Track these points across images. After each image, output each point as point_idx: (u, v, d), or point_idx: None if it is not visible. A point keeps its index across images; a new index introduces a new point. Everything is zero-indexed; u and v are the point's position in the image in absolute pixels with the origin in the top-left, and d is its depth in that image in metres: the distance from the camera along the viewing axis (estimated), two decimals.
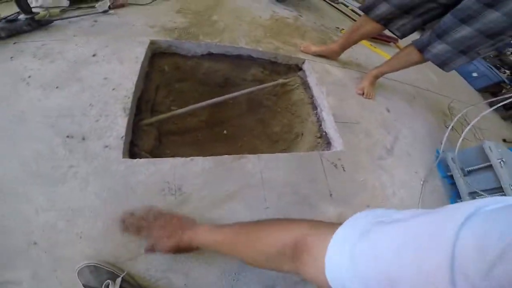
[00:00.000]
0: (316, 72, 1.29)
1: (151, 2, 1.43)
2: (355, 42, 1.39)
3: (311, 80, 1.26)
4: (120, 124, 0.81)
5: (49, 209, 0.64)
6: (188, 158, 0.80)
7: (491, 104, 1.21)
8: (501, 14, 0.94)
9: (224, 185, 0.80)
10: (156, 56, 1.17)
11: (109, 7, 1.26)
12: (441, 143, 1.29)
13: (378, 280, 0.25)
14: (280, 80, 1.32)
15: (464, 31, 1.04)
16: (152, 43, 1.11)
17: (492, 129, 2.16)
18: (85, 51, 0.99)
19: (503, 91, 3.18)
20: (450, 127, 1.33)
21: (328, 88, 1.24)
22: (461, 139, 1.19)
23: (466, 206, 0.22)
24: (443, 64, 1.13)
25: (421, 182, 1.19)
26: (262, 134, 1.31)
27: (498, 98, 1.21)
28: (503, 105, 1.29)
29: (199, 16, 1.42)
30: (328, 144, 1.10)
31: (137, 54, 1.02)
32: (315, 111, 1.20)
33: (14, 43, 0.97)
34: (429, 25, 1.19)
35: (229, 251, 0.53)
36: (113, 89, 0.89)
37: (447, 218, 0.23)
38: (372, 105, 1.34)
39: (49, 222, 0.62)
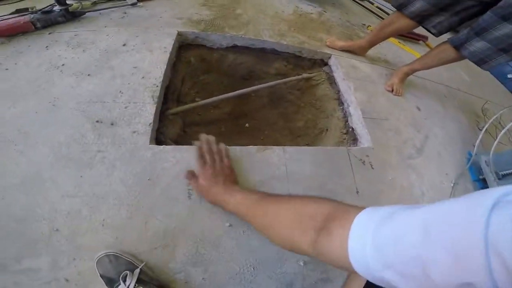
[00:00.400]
0: (342, 67, 1.26)
1: None
2: (385, 39, 1.34)
3: (338, 75, 1.23)
4: (148, 111, 0.82)
5: (75, 195, 0.64)
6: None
7: None
8: None
9: (249, 175, 0.80)
10: (183, 47, 1.20)
11: (138, 0, 1.30)
12: (474, 146, 1.23)
13: (403, 261, 0.25)
14: (305, 75, 1.30)
15: (506, 28, 0.99)
16: (179, 34, 1.14)
17: None
18: (116, 41, 1.03)
19: None
20: (484, 129, 1.27)
21: (355, 83, 1.21)
22: (496, 141, 1.13)
23: (495, 191, 0.23)
24: (481, 61, 1.09)
25: (452, 184, 1.13)
26: (284, 128, 1.29)
27: None
28: None
29: (224, 9, 1.44)
30: (354, 140, 1.07)
31: (166, 44, 1.05)
32: (341, 107, 1.17)
33: (49, 34, 1.03)
34: (465, 24, 1.14)
35: (258, 222, 0.55)
36: (143, 77, 0.92)
37: (476, 201, 0.23)
38: (401, 102, 1.29)
39: (73, 208, 0.63)
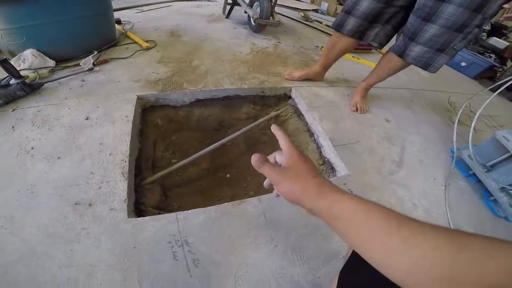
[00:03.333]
0: (304, 98, 1.34)
1: (132, 55, 1.56)
2: (336, 59, 1.45)
3: (302, 106, 1.30)
4: (121, 188, 0.86)
5: (70, 265, 0.70)
6: (189, 211, 0.85)
7: (493, 90, 1.20)
8: (455, 5, 1.01)
9: (229, 231, 0.83)
10: (147, 110, 1.25)
11: (94, 64, 1.37)
12: (453, 141, 1.28)
13: None
14: (273, 113, 1.38)
15: (432, 29, 1.09)
16: (139, 98, 1.19)
17: (503, 114, 2.17)
18: (79, 115, 1.08)
19: (498, 74, 3.25)
20: (456, 121, 1.33)
21: (320, 112, 1.28)
22: (471, 132, 1.19)
23: None
24: (426, 65, 1.18)
25: (443, 187, 1.16)
26: None
27: (500, 82, 1.20)
28: (506, 88, 1.26)
29: (181, 63, 1.53)
30: (332, 169, 1.09)
31: (127, 112, 1.10)
32: (312, 138, 1.22)
33: (12, 110, 1.07)
34: (401, 29, 1.26)
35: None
36: (110, 154, 0.95)
37: None
38: (369, 119, 1.37)
39: (72, 276, 0.68)
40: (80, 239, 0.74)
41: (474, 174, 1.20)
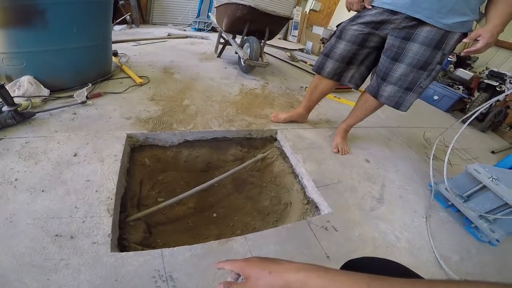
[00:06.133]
0: (289, 140, 1.48)
1: (125, 90, 1.64)
2: (318, 101, 1.62)
3: (286, 149, 1.45)
4: (105, 224, 0.89)
5: None
6: (175, 248, 0.87)
7: (464, 122, 1.35)
8: (419, 44, 1.17)
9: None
10: (136, 149, 1.31)
11: (87, 97, 1.42)
12: (430, 176, 1.42)
13: None
14: (259, 156, 1.51)
15: (400, 68, 1.23)
16: (129, 137, 1.25)
17: (475, 145, 2.38)
18: (67, 150, 1.11)
19: (467, 105, 3.59)
20: (431, 157, 1.48)
21: (303, 154, 1.43)
22: (445, 167, 1.34)
23: None
24: (397, 104, 1.31)
25: (424, 219, 1.27)
26: (253, 210, 1.40)
27: (469, 114, 1.36)
28: (475, 118, 1.39)
29: (172, 102, 1.65)
30: (316, 208, 1.19)
31: (116, 151, 1.14)
32: (297, 179, 1.32)
33: (0, 139, 1.09)
34: (373, 69, 1.41)
35: None
36: (96, 191, 0.99)
37: None
38: (350, 160, 1.53)
39: None
40: (58, 269, 0.74)
41: (452, 204, 1.33)
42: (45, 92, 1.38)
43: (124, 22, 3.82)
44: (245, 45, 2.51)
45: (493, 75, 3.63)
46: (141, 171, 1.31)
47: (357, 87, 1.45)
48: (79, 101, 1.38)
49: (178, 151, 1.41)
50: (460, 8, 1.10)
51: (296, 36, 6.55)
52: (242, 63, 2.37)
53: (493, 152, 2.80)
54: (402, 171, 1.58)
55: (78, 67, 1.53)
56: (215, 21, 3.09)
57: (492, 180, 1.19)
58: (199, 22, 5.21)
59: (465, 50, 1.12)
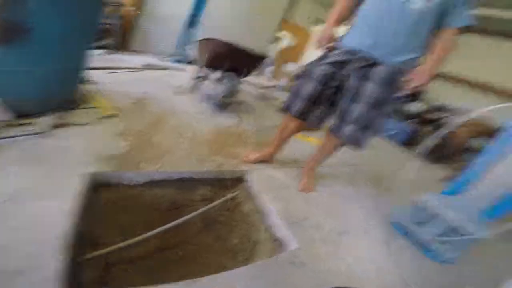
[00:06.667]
0: (258, 180, 1.58)
1: (94, 122, 1.56)
2: (287, 140, 1.72)
3: (256, 189, 1.53)
4: (57, 261, 0.83)
5: None
6: None
7: (417, 155, 1.55)
8: (374, 83, 1.31)
9: None
10: (97, 186, 1.24)
11: (50, 127, 1.34)
12: (390, 208, 1.62)
13: None
14: (229, 195, 1.56)
15: (358, 108, 1.32)
16: (91, 175, 1.19)
17: (428, 176, 2.65)
18: (21, 184, 1.03)
19: (420, 138, 4.05)
20: (390, 191, 1.69)
21: (272, 193, 1.50)
22: (402, 199, 1.54)
23: None
24: (357, 143, 1.39)
25: (386, 248, 1.40)
26: (222, 248, 1.42)
27: (421, 147, 1.56)
28: (427, 150, 1.57)
29: (141, 137, 1.62)
30: (284, 245, 1.26)
31: (75, 188, 1.08)
32: (266, 218, 1.40)
33: None
34: (336, 109, 1.48)
35: None
36: (50, 227, 0.91)
37: None
38: (316, 197, 1.64)
39: None
40: None
41: (411, 231, 1.49)
42: (8, 116, 1.26)
43: (104, 46, 3.79)
44: (223, 82, 2.58)
45: (438, 108, 4.16)
46: (101, 209, 1.26)
47: (321, 126, 1.55)
48: (41, 131, 1.29)
49: (142, 190, 1.40)
50: (409, 47, 1.28)
51: (270, 73, 6.99)
52: (218, 100, 2.42)
53: (442, 180, 3.17)
54: (364, 205, 1.72)
55: (48, 91, 1.42)
56: (195, 54, 3.19)
57: (440, 207, 1.38)
58: (178, 53, 5.34)
59: (405, 89, 1.29)
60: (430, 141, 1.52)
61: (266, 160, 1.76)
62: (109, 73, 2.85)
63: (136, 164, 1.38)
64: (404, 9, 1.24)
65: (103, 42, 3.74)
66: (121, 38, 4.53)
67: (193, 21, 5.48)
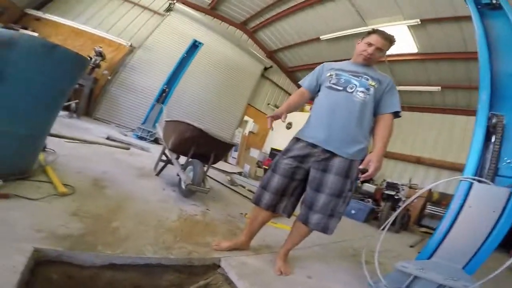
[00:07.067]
0: (233, 267, 1.46)
1: (43, 198, 1.39)
2: (258, 229, 1.73)
3: (232, 276, 1.40)
4: None
5: None
6: None
7: (382, 229, 1.65)
8: (333, 174, 1.44)
9: None
10: (43, 263, 1.06)
11: None
12: (368, 278, 1.64)
13: None
14: (201, 282, 1.38)
15: (322, 198, 1.44)
16: (36, 251, 1.04)
17: (395, 244, 2.65)
18: None
19: (379, 214, 4.43)
20: (363, 263, 1.70)
21: (250, 279, 1.38)
22: (377, 268, 1.59)
23: None
24: (324, 229, 1.48)
25: None
26: None
27: (385, 223, 1.68)
28: (389, 223, 1.69)
29: (98, 221, 1.45)
30: None
31: (15, 263, 0.93)
32: None
33: None
34: (302, 199, 1.60)
35: None
36: None
37: None
38: (293, 279, 1.57)
39: None
40: None
41: None
42: None
43: (67, 108, 3.55)
44: (188, 168, 2.51)
45: (390, 185, 4.74)
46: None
47: (289, 216, 1.63)
48: None
49: (98, 272, 1.16)
50: (358, 138, 1.47)
51: (235, 158, 7.30)
52: (183, 187, 2.26)
53: (411, 246, 3.38)
54: (342, 279, 1.74)
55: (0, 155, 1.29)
56: (161, 135, 3.07)
57: (420, 271, 1.44)
58: (143, 129, 5.22)
59: (362, 177, 1.44)
60: (392, 216, 1.72)
61: (238, 248, 1.67)
62: (68, 142, 2.64)
63: (93, 247, 1.21)
64: (349, 101, 1.48)
65: (67, 104, 3.53)
66: (87, 102, 4.42)
67: (164, 96, 5.66)
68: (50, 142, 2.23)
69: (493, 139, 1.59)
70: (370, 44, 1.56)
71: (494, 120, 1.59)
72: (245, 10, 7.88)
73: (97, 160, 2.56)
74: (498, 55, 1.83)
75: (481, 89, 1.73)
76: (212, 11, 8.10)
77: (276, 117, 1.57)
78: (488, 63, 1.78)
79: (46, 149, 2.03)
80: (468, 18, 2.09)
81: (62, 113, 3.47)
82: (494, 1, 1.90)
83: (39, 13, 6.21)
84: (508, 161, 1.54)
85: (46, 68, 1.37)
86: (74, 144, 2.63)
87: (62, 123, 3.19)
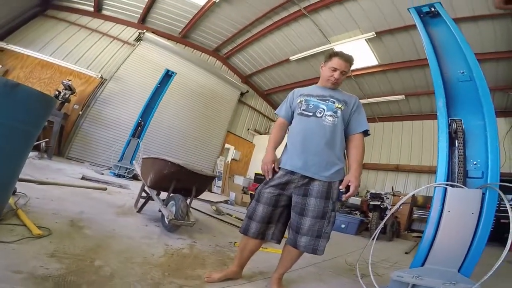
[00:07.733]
0: None
1: (17, 240, 1.35)
2: (249, 258, 1.72)
3: None
4: None
5: None
6: None
7: (373, 239, 1.68)
8: (314, 197, 1.50)
9: None
10: None
11: None
12: None
13: None
14: None
15: (307, 221, 1.50)
16: None
17: (390, 252, 2.71)
18: None
19: (369, 225, 4.50)
20: (359, 276, 1.72)
21: None
22: (373, 280, 1.59)
23: None
24: (314, 251, 1.51)
25: None
26: None
27: (374, 234, 1.70)
28: (380, 232, 1.74)
29: (79, 261, 1.40)
30: None
31: None
32: None
33: None
34: (288, 223, 1.64)
35: None
36: None
37: None
38: None
39: None
40: None
41: None
42: None
43: (36, 148, 3.33)
44: (170, 203, 2.45)
45: (374, 196, 4.86)
46: None
47: (278, 241, 1.66)
48: None
49: None
50: (332, 160, 1.54)
51: (220, 187, 7.17)
52: (167, 222, 2.20)
53: (406, 252, 3.38)
54: None
55: None
56: (139, 171, 3.02)
57: (415, 279, 1.48)
58: (120, 167, 5.01)
59: (345, 197, 1.51)
60: (379, 226, 1.79)
61: (231, 278, 1.63)
62: (40, 184, 2.52)
63: (77, 287, 1.16)
64: (320, 125, 1.57)
65: (37, 143, 3.35)
66: (58, 141, 4.14)
67: (140, 130, 5.48)
68: (21, 185, 2.15)
69: (456, 144, 1.73)
70: (334, 69, 1.68)
71: (454, 126, 1.74)
72: (217, 36, 8.16)
73: (73, 201, 2.45)
74: (446, 60, 2.01)
75: (437, 97, 1.90)
76: (183, 39, 8.28)
77: (270, 163, 1.63)
78: (439, 70, 1.96)
79: (16, 193, 1.95)
80: (415, 27, 2.28)
81: (32, 153, 3.32)
82: (432, 9, 2.12)
83: (2, 44, 5.99)
84: (475, 162, 1.67)
85: (8, 109, 1.34)
86: (47, 186, 2.50)
87: (33, 164, 3.04)
